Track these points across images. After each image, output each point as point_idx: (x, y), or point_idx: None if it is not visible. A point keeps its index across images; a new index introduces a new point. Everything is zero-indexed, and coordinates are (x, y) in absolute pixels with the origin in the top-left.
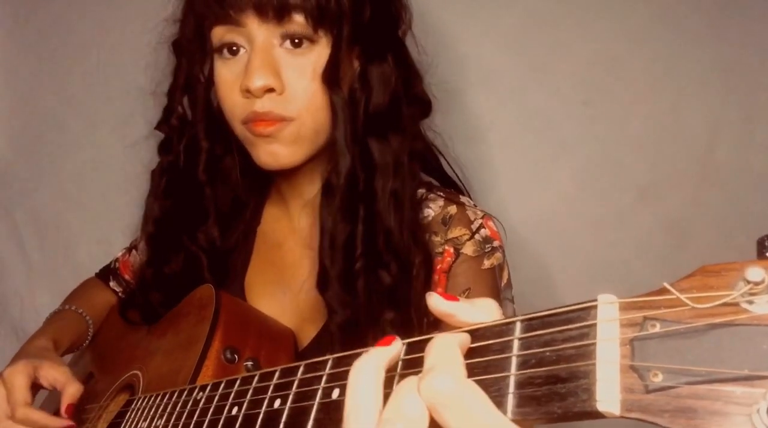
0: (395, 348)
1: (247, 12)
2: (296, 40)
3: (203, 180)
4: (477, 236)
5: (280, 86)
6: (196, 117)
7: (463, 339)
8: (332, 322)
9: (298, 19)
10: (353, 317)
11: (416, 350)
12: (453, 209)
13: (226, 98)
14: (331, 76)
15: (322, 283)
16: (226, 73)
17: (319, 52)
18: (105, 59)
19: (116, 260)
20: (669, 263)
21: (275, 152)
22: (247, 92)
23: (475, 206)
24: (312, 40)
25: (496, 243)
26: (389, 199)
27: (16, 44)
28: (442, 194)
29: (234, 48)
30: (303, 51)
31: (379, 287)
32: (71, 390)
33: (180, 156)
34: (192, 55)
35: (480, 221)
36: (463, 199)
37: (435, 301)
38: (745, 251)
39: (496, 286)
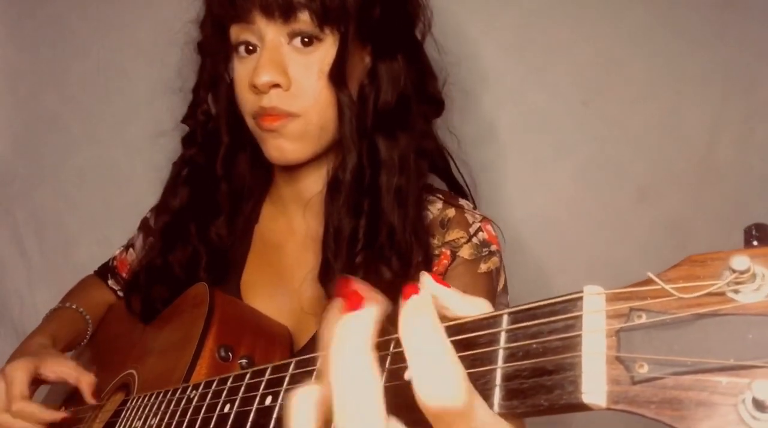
0: (369, 314)
1: (254, 11)
2: (305, 39)
3: (220, 174)
4: (474, 240)
5: (286, 82)
6: (219, 112)
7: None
8: None
9: (304, 17)
10: None
11: None
12: (451, 211)
13: (239, 94)
14: (337, 75)
15: (325, 275)
16: (241, 70)
17: (326, 50)
18: (105, 59)
19: (114, 258)
20: (669, 263)
21: (281, 147)
22: (254, 88)
23: (475, 209)
24: (319, 38)
25: (493, 247)
26: (393, 196)
27: (16, 44)
28: (441, 196)
29: (250, 47)
30: (310, 49)
31: (379, 281)
32: (88, 379)
33: (201, 149)
34: (215, 54)
35: (478, 224)
36: (462, 202)
37: (426, 280)
38: None
39: (491, 290)
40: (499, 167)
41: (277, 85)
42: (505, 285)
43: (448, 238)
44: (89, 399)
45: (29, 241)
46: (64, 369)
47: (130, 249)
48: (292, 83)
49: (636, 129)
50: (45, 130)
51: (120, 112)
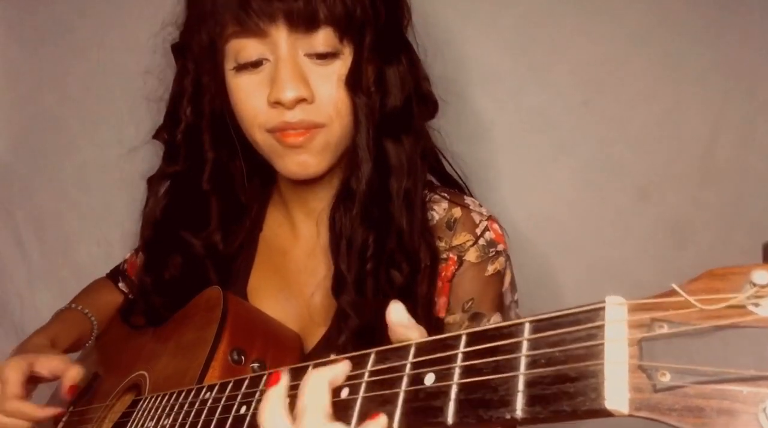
0: (283, 386)
1: (277, 22)
2: (322, 57)
3: (207, 189)
4: (481, 241)
5: (311, 95)
6: (201, 126)
7: (337, 372)
8: (346, 327)
9: (326, 30)
10: (366, 322)
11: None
12: (457, 211)
13: (246, 106)
14: (354, 82)
15: (338, 288)
16: (246, 82)
17: (344, 60)
18: (105, 59)
19: (125, 261)
20: (669, 262)
21: (304, 163)
22: (277, 104)
23: (480, 206)
24: (336, 55)
25: (500, 247)
26: (403, 200)
27: (16, 44)
28: (446, 195)
29: (258, 61)
30: (328, 61)
31: (390, 287)
32: (72, 373)
33: (184, 165)
34: (201, 62)
35: (485, 223)
36: (468, 200)
37: (396, 309)
38: (745, 251)
39: (498, 293)
40: (499, 167)
41: (302, 100)
42: (512, 283)
43: (455, 243)
44: (64, 392)
45: (29, 241)
46: (55, 364)
47: (140, 252)
48: (315, 95)
49: (636, 129)
50: (45, 130)
51: (120, 112)
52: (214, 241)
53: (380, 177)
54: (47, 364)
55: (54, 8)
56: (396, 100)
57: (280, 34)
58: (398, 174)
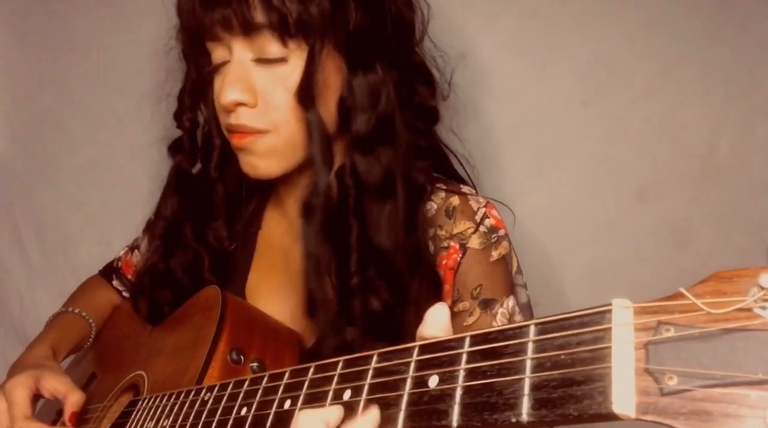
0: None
1: (216, 27)
2: (270, 61)
3: (214, 177)
4: (482, 227)
5: (252, 100)
6: (209, 116)
7: (331, 417)
8: (326, 346)
9: (265, 34)
10: (345, 342)
11: None
12: (455, 199)
13: (215, 106)
14: (305, 94)
15: (310, 308)
16: (216, 83)
17: (294, 65)
18: (105, 59)
19: (118, 258)
20: (669, 262)
21: (252, 163)
22: (220, 106)
23: (477, 194)
24: (284, 59)
25: (501, 232)
26: (378, 218)
27: (16, 44)
28: (442, 186)
29: (222, 66)
30: (276, 64)
31: (370, 313)
32: (73, 399)
33: (190, 154)
34: (197, 59)
35: (483, 210)
36: (465, 188)
37: (440, 310)
38: (745, 251)
39: (507, 277)
40: (499, 167)
41: (242, 104)
42: (518, 266)
43: (456, 231)
44: (66, 420)
45: (29, 241)
46: (57, 386)
47: (135, 251)
48: (259, 100)
49: (636, 129)
50: (45, 130)
51: (120, 112)
52: (221, 235)
53: (355, 193)
54: (50, 384)
55: (54, 8)
56: (365, 112)
57: (227, 38)
58: (373, 190)
